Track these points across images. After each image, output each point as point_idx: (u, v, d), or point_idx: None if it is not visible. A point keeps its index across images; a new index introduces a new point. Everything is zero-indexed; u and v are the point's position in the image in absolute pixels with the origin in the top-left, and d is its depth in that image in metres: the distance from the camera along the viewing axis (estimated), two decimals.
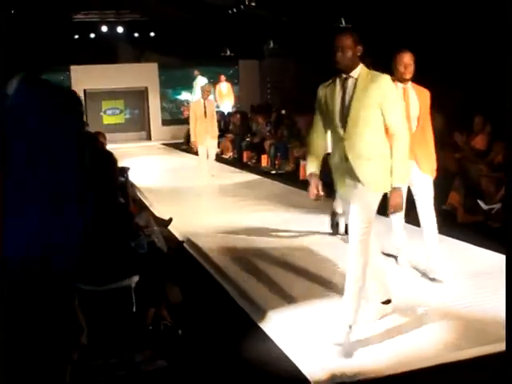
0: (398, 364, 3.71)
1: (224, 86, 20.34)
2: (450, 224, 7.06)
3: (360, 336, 4.05)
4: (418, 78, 5.48)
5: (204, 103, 10.68)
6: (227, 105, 20.63)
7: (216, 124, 11.00)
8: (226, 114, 19.03)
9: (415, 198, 5.32)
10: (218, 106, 19.62)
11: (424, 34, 13.38)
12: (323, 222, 7.59)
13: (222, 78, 20.52)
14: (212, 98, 11.09)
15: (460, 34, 12.43)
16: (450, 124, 9.32)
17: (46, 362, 2.56)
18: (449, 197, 7.63)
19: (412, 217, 5.66)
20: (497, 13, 10.08)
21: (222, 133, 16.92)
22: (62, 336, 2.59)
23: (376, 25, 14.58)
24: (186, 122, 21.46)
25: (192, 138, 10.76)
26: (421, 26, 13.43)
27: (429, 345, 3.94)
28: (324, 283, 5.19)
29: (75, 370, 3.09)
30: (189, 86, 22.43)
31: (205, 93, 10.80)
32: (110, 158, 4.51)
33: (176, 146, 19.19)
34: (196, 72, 21.01)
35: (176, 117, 22.57)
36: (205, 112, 10.59)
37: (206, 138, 10.61)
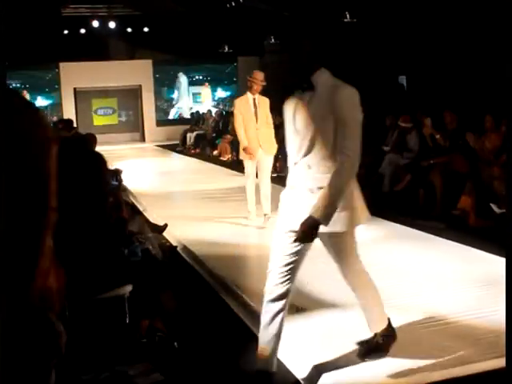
0: (406, 378, 3.71)
1: (205, 90, 20.63)
2: (460, 229, 7.10)
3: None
4: (428, 79, 5.52)
5: (254, 100, 7.78)
6: (206, 105, 20.85)
7: (273, 132, 7.88)
8: (224, 113, 19.05)
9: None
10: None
11: (431, 30, 13.43)
12: None
13: (206, 85, 20.76)
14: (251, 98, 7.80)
15: (470, 31, 12.47)
16: (461, 125, 9.37)
17: (23, 371, 2.58)
18: (459, 201, 7.65)
19: None
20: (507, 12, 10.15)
21: (220, 134, 16.97)
22: (38, 343, 2.61)
23: (382, 20, 14.63)
24: (181, 122, 21.70)
25: (242, 149, 7.78)
26: (429, 23, 13.47)
27: (439, 357, 3.95)
28: (326, 294, 5.20)
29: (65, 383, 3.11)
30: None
31: (255, 84, 7.74)
32: (99, 160, 4.52)
33: (171, 148, 19.22)
34: (206, 84, 21.15)
35: (170, 116, 22.64)
36: (255, 113, 7.75)
37: (258, 152, 7.67)
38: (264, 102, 7.81)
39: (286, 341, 4.29)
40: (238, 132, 7.83)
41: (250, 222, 7.99)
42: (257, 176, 7.95)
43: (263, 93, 7.92)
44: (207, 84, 22.83)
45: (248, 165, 7.85)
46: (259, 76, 7.79)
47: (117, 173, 6.94)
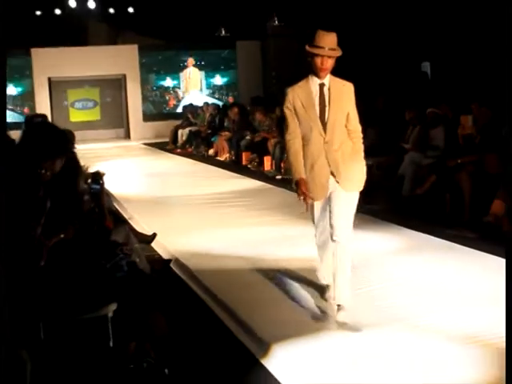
0: None
1: (191, 72, 20.39)
2: (493, 238, 7.11)
3: (378, 373, 4.11)
4: (456, 66, 5.71)
5: (322, 89, 4.96)
6: (194, 95, 20.61)
7: (362, 148, 5.21)
8: (221, 106, 19.08)
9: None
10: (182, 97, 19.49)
11: (458, 11, 13.48)
12: None
13: (190, 61, 20.53)
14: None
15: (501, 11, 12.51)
16: (494, 120, 9.40)
17: None
18: (492, 205, 7.68)
19: None
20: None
21: (217, 130, 17.01)
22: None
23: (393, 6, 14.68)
24: (171, 116, 21.73)
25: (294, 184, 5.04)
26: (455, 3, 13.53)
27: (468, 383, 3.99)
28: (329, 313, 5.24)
29: None
30: (175, 71, 22.57)
31: (322, 58, 4.82)
32: (72, 161, 4.56)
33: (160, 146, 19.27)
34: (190, 60, 21.01)
35: (160, 109, 22.64)
36: (322, 112, 4.95)
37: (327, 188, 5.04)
38: (342, 92, 5.00)
39: (292, 366, 4.35)
40: (288, 150, 5.11)
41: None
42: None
43: (266, 78, 7.28)
44: (192, 61, 22.53)
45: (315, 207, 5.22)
46: (329, 39, 4.86)
47: (98, 176, 6.97)
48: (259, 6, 19.54)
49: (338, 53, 4.91)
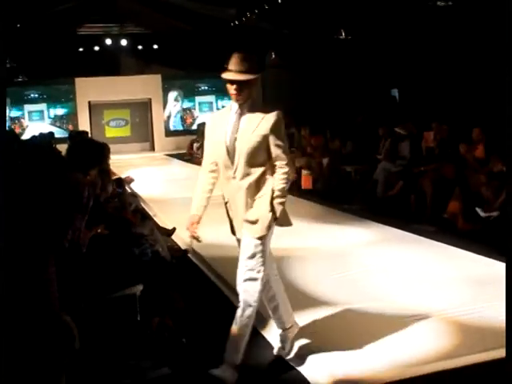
0: (397, 371, 3.72)
1: None
2: (450, 232, 7.11)
3: (361, 343, 4.07)
4: (419, 91, 5.61)
5: (237, 119, 3.74)
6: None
7: (280, 185, 3.81)
8: None
9: None
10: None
11: (422, 45, 13.46)
12: (324, 231, 7.63)
13: None
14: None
15: (459, 46, 12.50)
16: (450, 137, 9.43)
17: (39, 369, 2.62)
18: (448, 205, 7.66)
19: None
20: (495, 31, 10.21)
21: None
22: (53, 343, 2.65)
23: (375, 36, 14.67)
24: (188, 132, 21.72)
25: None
26: (419, 39, 13.50)
27: (428, 352, 3.96)
28: (324, 292, 5.21)
29: (79, 377, 3.13)
30: (191, 95, 22.65)
31: (229, 89, 3.77)
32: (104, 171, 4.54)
33: (179, 157, 19.24)
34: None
35: (179, 126, 22.62)
36: (232, 144, 3.72)
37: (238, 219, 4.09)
38: (257, 124, 3.67)
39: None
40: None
41: None
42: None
43: (265, 101, 7.26)
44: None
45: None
46: (235, 61, 3.84)
47: (121, 181, 7.00)
48: (259, 43, 19.63)
49: (243, 77, 3.63)
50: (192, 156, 18.81)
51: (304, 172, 11.30)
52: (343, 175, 10.45)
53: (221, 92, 22.87)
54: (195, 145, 19.26)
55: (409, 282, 5.43)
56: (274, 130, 3.61)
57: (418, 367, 3.76)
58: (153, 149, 22.10)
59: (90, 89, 20.79)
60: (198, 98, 22.88)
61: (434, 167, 8.56)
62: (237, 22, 18.10)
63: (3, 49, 3.00)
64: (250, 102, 3.69)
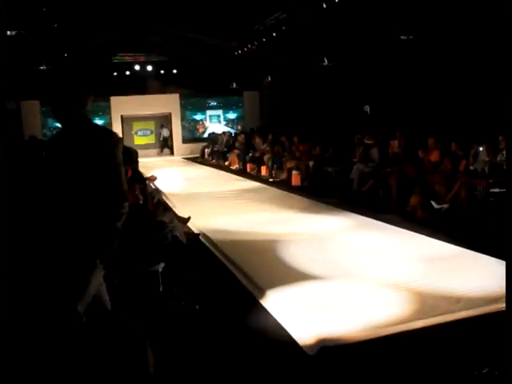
0: (369, 332, 3.72)
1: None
2: (410, 221, 7.09)
3: (340, 309, 4.07)
4: (387, 108, 5.56)
5: None
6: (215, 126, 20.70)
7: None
8: (233, 134, 19.06)
9: None
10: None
11: (391, 71, 13.41)
12: (310, 220, 7.62)
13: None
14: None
15: (418, 72, 12.47)
16: (411, 144, 9.40)
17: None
18: (410, 200, 7.65)
19: None
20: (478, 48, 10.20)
21: (230, 149, 16.94)
22: (134, 372, 2.34)
23: (353, 62, 14.63)
24: (200, 139, 21.70)
25: None
26: (388, 65, 13.46)
27: (393, 316, 3.95)
28: (311, 268, 5.20)
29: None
30: (202, 110, 22.64)
31: None
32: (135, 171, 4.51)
33: (193, 160, 19.22)
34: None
35: (193, 134, 22.61)
36: None
37: None
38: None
39: (283, 305, 4.30)
40: None
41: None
42: None
43: (262, 116, 7.34)
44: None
45: None
46: None
47: (144, 179, 6.96)
48: (258, 69, 19.60)
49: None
50: (204, 159, 18.81)
51: (294, 172, 11.30)
52: (325, 175, 10.44)
53: (227, 106, 22.93)
54: (206, 150, 19.23)
55: (378, 260, 5.42)
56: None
57: (385, 329, 3.75)
58: (172, 153, 22.06)
59: (122, 105, 20.76)
60: (208, 112, 22.88)
61: (398, 168, 8.54)
62: (240, 52, 18.06)
63: (3, 47, 2.79)
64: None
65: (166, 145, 22.13)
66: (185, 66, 20.49)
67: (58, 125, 2.74)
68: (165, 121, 22.17)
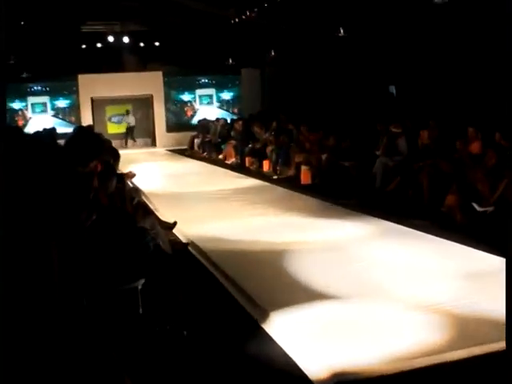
0: (395, 365, 3.71)
1: None
2: (447, 226, 7.09)
3: (359, 336, 4.07)
4: (416, 88, 5.58)
5: None
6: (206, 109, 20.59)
7: None
8: (229, 121, 19.05)
9: None
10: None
11: (419, 43, 13.42)
12: (323, 226, 7.62)
13: None
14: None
15: (456, 46, 12.46)
16: (446, 134, 9.42)
17: None
18: (446, 199, 7.65)
19: None
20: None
21: (225, 139, 16.97)
22: None
23: (373, 34, 14.63)
24: (189, 127, 21.67)
25: None
26: (417, 37, 13.46)
27: (425, 345, 3.95)
28: (323, 285, 5.20)
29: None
30: (191, 89, 22.64)
31: None
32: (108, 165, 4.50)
33: (180, 152, 19.22)
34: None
35: (181, 120, 22.55)
36: None
37: None
38: None
39: (288, 330, 4.30)
40: None
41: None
42: None
43: (264, 98, 7.50)
44: None
45: None
46: None
47: (122, 176, 6.99)
48: (259, 41, 19.60)
49: None
50: (193, 151, 18.82)
51: (303, 167, 11.31)
52: (341, 170, 10.45)
53: (221, 85, 22.92)
54: (196, 140, 19.23)
55: (406, 276, 5.42)
56: None
57: (415, 360, 3.74)
58: (154, 144, 22.07)
59: (92, 85, 20.76)
60: (199, 91, 22.85)
61: (430, 162, 8.55)
62: (237, 20, 18.06)
63: (4, 45, 2.95)
64: None
65: (131, 135, 22.06)
66: (169, 38, 20.50)
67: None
68: (145, 104, 22.18)
